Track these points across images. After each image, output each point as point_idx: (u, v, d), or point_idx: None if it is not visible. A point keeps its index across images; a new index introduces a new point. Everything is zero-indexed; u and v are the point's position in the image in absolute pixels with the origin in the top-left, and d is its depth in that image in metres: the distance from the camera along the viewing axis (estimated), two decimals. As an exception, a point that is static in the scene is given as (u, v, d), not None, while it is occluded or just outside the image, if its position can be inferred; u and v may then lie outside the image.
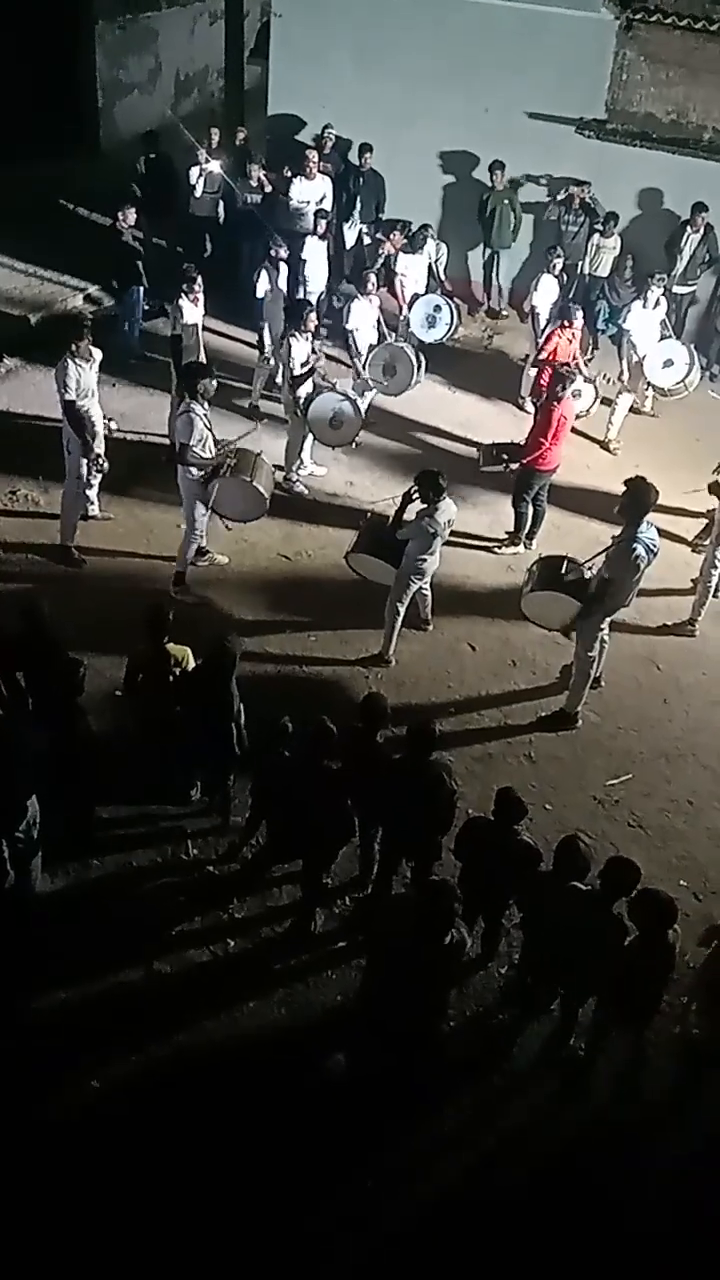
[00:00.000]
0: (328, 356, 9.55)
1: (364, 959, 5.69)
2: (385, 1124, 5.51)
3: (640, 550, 7.04)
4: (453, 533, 8.19)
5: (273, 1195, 5.18)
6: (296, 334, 9.18)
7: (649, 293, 10.52)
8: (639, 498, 7.11)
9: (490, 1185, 5.41)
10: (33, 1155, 5.19)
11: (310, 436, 9.48)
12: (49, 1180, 5.11)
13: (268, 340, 10.57)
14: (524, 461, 8.89)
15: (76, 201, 13.84)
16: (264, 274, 10.30)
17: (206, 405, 7.98)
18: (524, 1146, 5.57)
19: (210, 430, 7.98)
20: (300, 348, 9.15)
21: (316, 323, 9.40)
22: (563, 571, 7.77)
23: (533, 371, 10.89)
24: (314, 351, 9.31)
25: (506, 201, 12.29)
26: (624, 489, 7.22)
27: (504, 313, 13.09)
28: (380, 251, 11.53)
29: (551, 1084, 5.81)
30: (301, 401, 9.24)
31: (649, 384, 10.81)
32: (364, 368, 10.28)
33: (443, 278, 11.92)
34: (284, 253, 10.37)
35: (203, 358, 9.57)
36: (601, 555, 7.36)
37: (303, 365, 9.16)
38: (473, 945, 5.78)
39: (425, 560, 7.69)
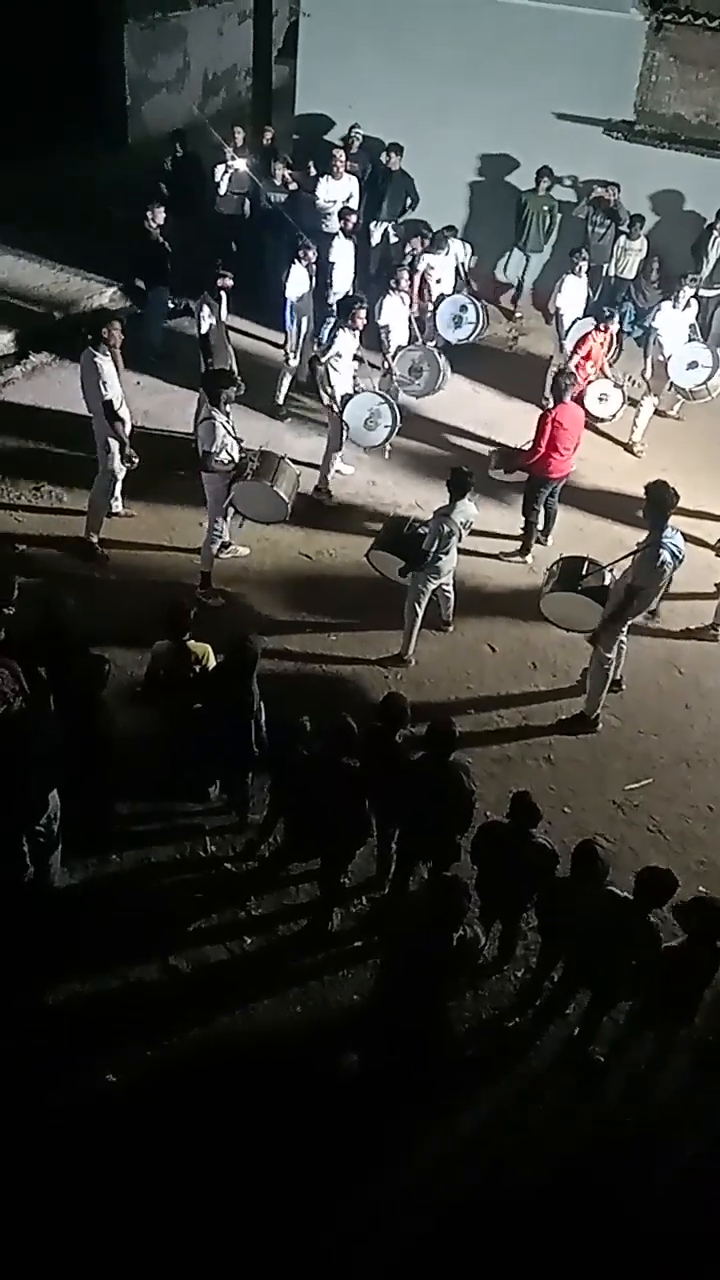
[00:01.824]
0: (357, 358, 9.51)
1: (379, 957, 5.70)
2: (399, 1123, 5.51)
3: (666, 556, 7.00)
4: (477, 531, 8.19)
5: (286, 1192, 5.19)
6: (345, 327, 9.14)
7: (680, 293, 10.45)
8: (660, 500, 7.09)
9: (503, 1185, 5.40)
10: (47, 1149, 5.22)
11: (347, 434, 9.45)
12: (63, 1174, 5.13)
13: (297, 340, 10.59)
14: (527, 468, 8.84)
15: (103, 199, 13.89)
16: (294, 274, 10.28)
17: (229, 410, 7.99)
18: (538, 1147, 5.56)
19: (232, 434, 8.01)
20: (347, 340, 9.13)
21: (366, 321, 9.35)
22: (583, 573, 7.74)
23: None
24: (356, 354, 9.31)
25: (546, 207, 12.26)
26: (645, 493, 7.19)
27: (519, 315, 13.06)
28: (407, 250, 11.52)
29: (566, 1085, 5.79)
30: (340, 400, 9.23)
31: (672, 385, 10.75)
32: (393, 365, 10.27)
33: (468, 278, 11.89)
34: (314, 255, 10.36)
35: (232, 357, 9.57)
36: (626, 560, 7.33)
37: (352, 359, 9.17)
38: (489, 947, 5.78)
39: (441, 559, 7.68)
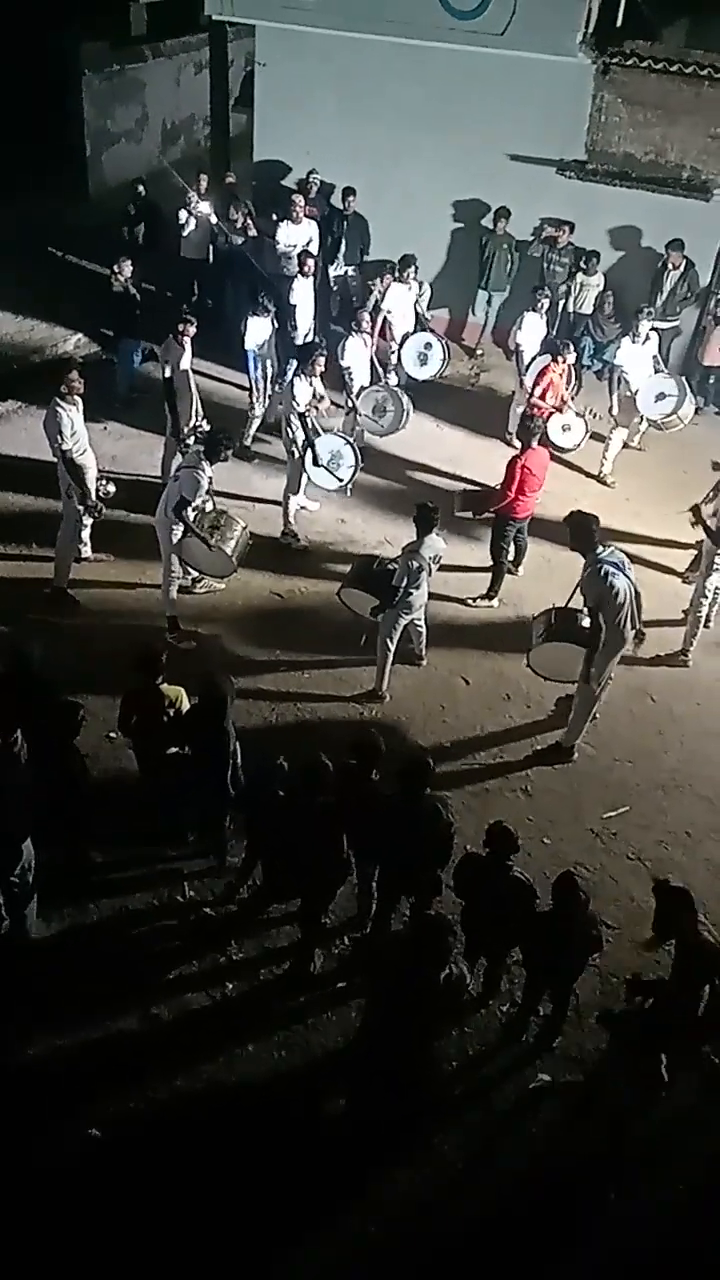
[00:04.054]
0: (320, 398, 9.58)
1: (364, 999, 5.64)
2: (386, 1166, 5.44)
3: (607, 568, 7.10)
4: (446, 567, 8.23)
5: (273, 1239, 5.11)
6: (303, 375, 9.21)
7: (639, 327, 10.63)
8: (582, 528, 7.29)
9: (493, 1224, 5.32)
10: (30, 1203, 5.10)
11: (306, 478, 9.52)
12: (46, 1228, 5.02)
13: (263, 386, 10.70)
14: (494, 511, 8.93)
15: (66, 246, 14.03)
16: (253, 324, 10.41)
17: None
18: (527, 1184, 5.48)
19: (209, 492, 8.09)
20: (304, 389, 9.21)
21: (324, 368, 9.43)
22: (554, 622, 7.74)
23: (519, 409, 10.99)
24: (317, 395, 9.38)
25: (505, 246, 12.49)
26: (567, 525, 7.37)
27: (480, 352, 13.24)
28: (372, 288, 11.67)
29: (555, 1121, 5.73)
30: (300, 443, 9.29)
31: (642, 418, 10.90)
32: (357, 405, 10.37)
33: (427, 317, 12.04)
34: (273, 308, 10.51)
35: (198, 401, 9.63)
36: (577, 590, 7.43)
37: (306, 405, 9.23)
38: (474, 983, 5.74)
39: (412, 594, 7.72)
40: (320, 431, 9.47)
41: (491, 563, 9.21)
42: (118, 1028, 5.86)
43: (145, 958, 6.24)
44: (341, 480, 9.62)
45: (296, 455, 9.34)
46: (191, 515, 7.95)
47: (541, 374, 10.41)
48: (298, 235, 11.97)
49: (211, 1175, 5.27)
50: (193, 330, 9.57)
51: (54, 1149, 5.33)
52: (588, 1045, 6.00)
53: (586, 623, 7.40)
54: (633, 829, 7.40)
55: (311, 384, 9.26)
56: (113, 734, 6.85)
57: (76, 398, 8.23)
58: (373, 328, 10.80)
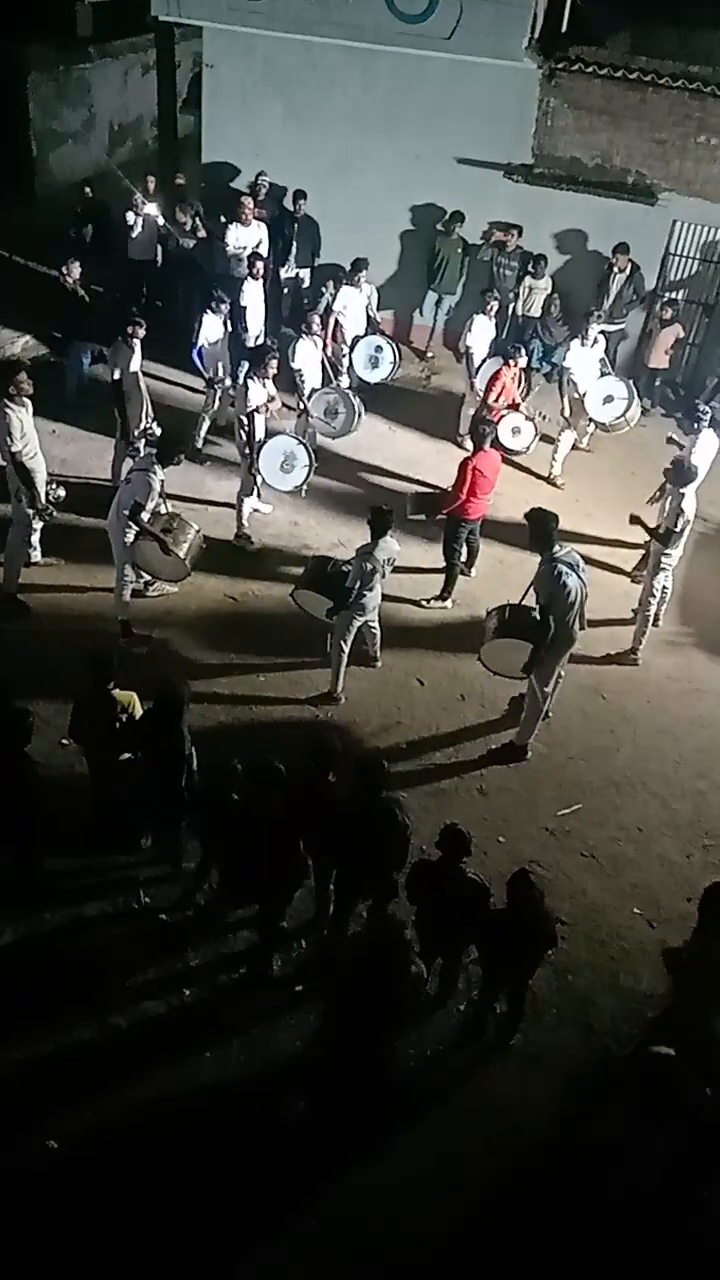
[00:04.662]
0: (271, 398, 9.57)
1: (323, 1001, 5.64)
2: (348, 1167, 5.43)
3: (561, 568, 7.17)
4: (400, 569, 8.26)
5: (236, 1245, 5.09)
6: (255, 377, 9.21)
7: (588, 330, 10.75)
8: (542, 525, 7.34)
9: (457, 1223, 5.34)
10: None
11: (259, 479, 9.51)
12: (6, 1249, 4.95)
13: (216, 383, 10.67)
14: (446, 512, 8.99)
15: (13, 248, 13.86)
16: (206, 321, 10.38)
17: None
18: (489, 1183, 5.51)
19: (162, 494, 8.06)
20: (257, 391, 9.19)
21: (276, 371, 9.43)
22: (507, 618, 7.81)
23: (469, 411, 11.06)
24: (271, 397, 9.38)
25: (459, 250, 12.57)
26: (527, 522, 7.42)
27: (431, 355, 13.31)
28: (324, 291, 11.69)
29: (514, 1117, 5.77)
30: (254, 446, 9.27)
31: (590, 420, 11.02)
32: (309, 407, 10.38)
33: (378, 320, 12.08)
34: (228, 307, 10.49)
35: (147, 403, 9.57)
36: (531, 589, 7.49)
37: (258, 407, 9.22)
38: (431, 983, 5.76)
39: (365, 596, 7.74)
40: (272, 433, 9.46)
41: (444, 564, 9.24)
42: (74, 1037, 5.80)
43: (101, 966, 6.17)
44: (296, 482, 9.62)
45: (249, 457, 9.32)
46: (145, 518, 7.91)
47: (494, 378, 10.50)
48: (247, 237, 11.94)
49: (172, 1183, 5.23)
50: (142, 332, 9.51)
51: (10, 1162, 5.26)
52: (545, 1042, 6.06)
53: (538, 618, 7.46)
54: (586, 826, 7.47)
55: (264, 386, 9.26)
56: (65, 740, 6.77)
57: (25, 399, 8.14)
58: (324, 330, 10.81)
